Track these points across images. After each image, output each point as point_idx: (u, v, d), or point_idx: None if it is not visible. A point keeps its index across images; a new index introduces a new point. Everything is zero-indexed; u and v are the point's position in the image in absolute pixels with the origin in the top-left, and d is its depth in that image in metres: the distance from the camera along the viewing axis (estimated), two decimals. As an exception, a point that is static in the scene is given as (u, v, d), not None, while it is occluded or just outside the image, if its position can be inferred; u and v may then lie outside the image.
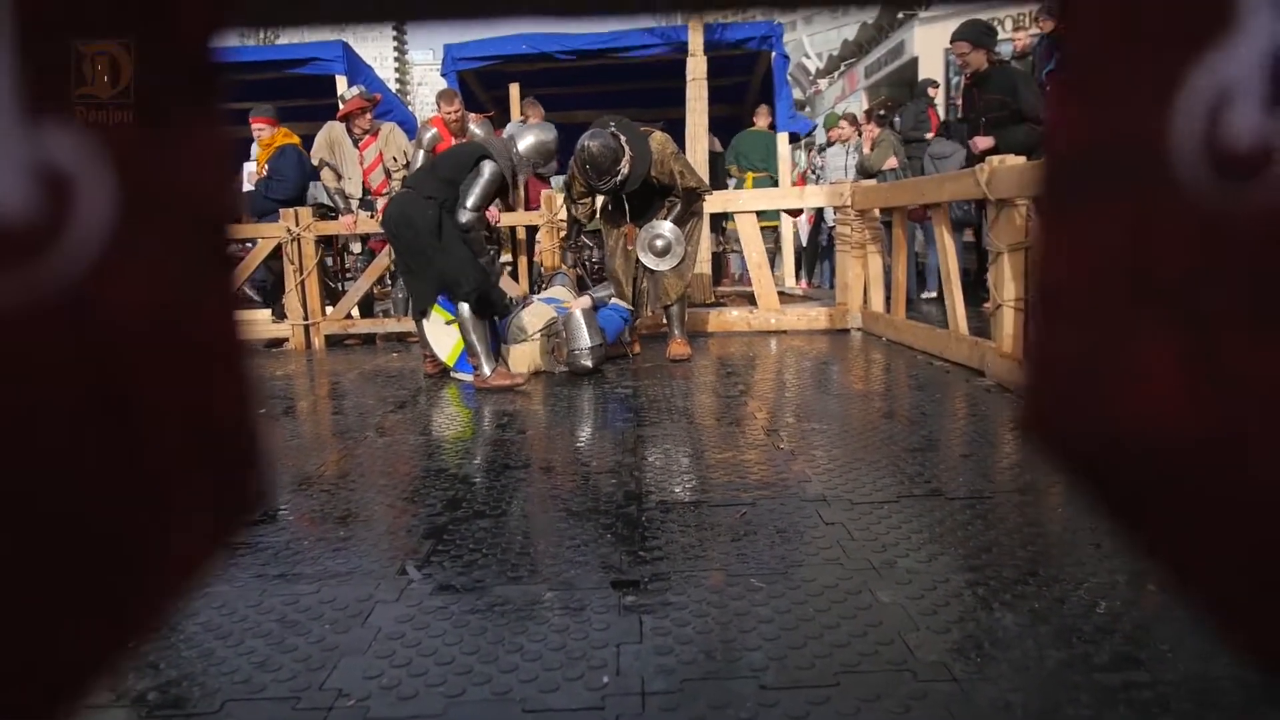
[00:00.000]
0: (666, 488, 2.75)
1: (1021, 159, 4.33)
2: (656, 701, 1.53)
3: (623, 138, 4.95)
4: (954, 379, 4.40)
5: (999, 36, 7.30)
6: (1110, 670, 1.57)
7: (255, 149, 7.24)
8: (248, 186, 6.92)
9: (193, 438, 0.33)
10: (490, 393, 4.51)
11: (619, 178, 4.96)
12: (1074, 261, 0.37)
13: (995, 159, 4.38)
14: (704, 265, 7.31)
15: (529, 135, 4.88)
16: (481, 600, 1.99)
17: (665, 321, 5.54)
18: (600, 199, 5.39)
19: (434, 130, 7.00)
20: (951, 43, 6.55)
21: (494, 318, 4.88)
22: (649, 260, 5.24)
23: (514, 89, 7.78)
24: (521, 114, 7.54)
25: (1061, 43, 0.37)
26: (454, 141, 7.01)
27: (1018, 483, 2.72)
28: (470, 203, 4.59)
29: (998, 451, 3.14)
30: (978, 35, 6.32)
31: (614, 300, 5.35)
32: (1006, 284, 4.27)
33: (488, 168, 4.61)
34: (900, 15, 30.20)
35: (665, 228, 5.20)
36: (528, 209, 7.25)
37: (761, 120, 9.22)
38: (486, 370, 4.60)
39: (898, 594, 1.92)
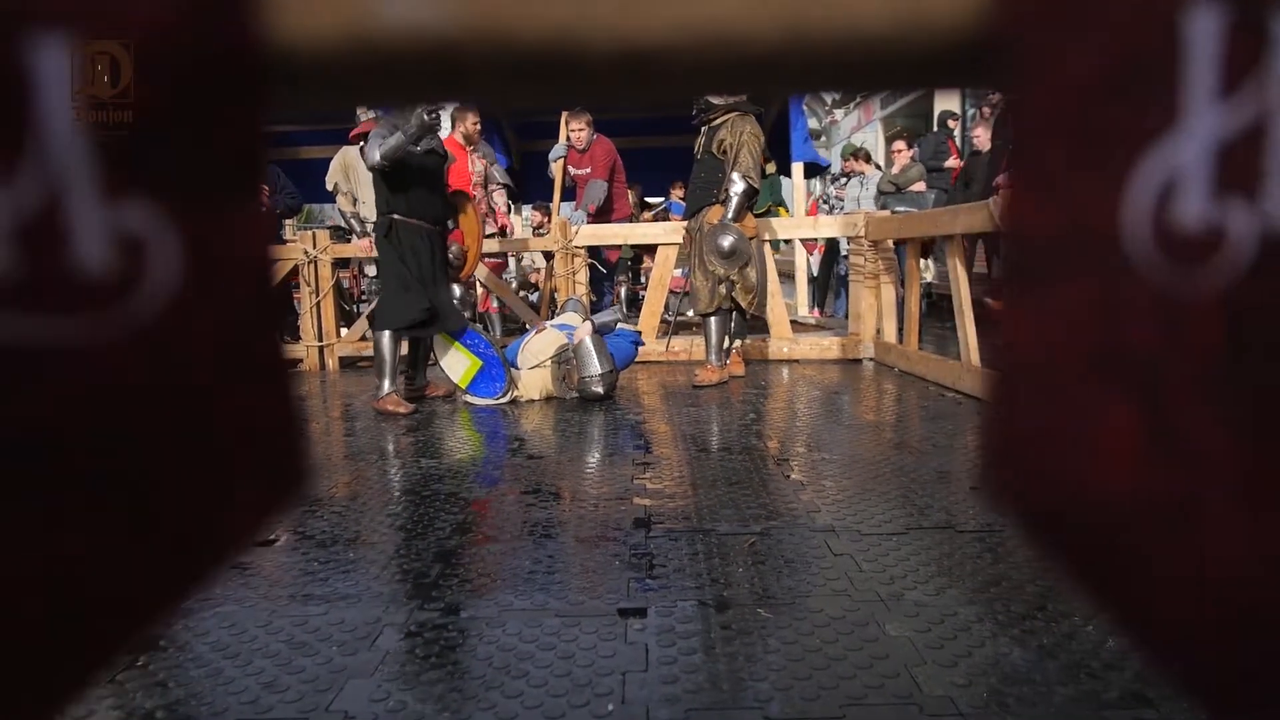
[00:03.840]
0: (675, 515, 2.75)
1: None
2: (661, 730, 1.53)
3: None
4: (966, 410, 4.39)
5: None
6: (1119, 708, 1.56)
7: None
8: None
9: (247, 430, 0.44)
10: (381, 416, 4.64)
11: (701, 105, 5.31)
12: (1036, 338, 0.39)
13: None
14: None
15: None
16: (488, 625, 2.00)
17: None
18: None
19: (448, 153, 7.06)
20: None
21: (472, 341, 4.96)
22: (717, 260, 5.27)
23: (564, 116, 7.72)
24: (564, 122, 7.49)
25: (1012, 135, 0.40)
26: (467, 155, 7.07)
27: (1028, 517, 2.71)
28: (371, 155, 4.57)
29: (1008, 485, 3.13)
30: None
31: (621, 325, 5.37)
32: (1019, 317, 4.27)
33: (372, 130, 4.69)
34: (916, 47, 30.42)
35: (731, 228, 5.23)
36: (613, 216, 7.28)
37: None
38: (384, 390, 4.74)
39: (905, 627, 1.92)
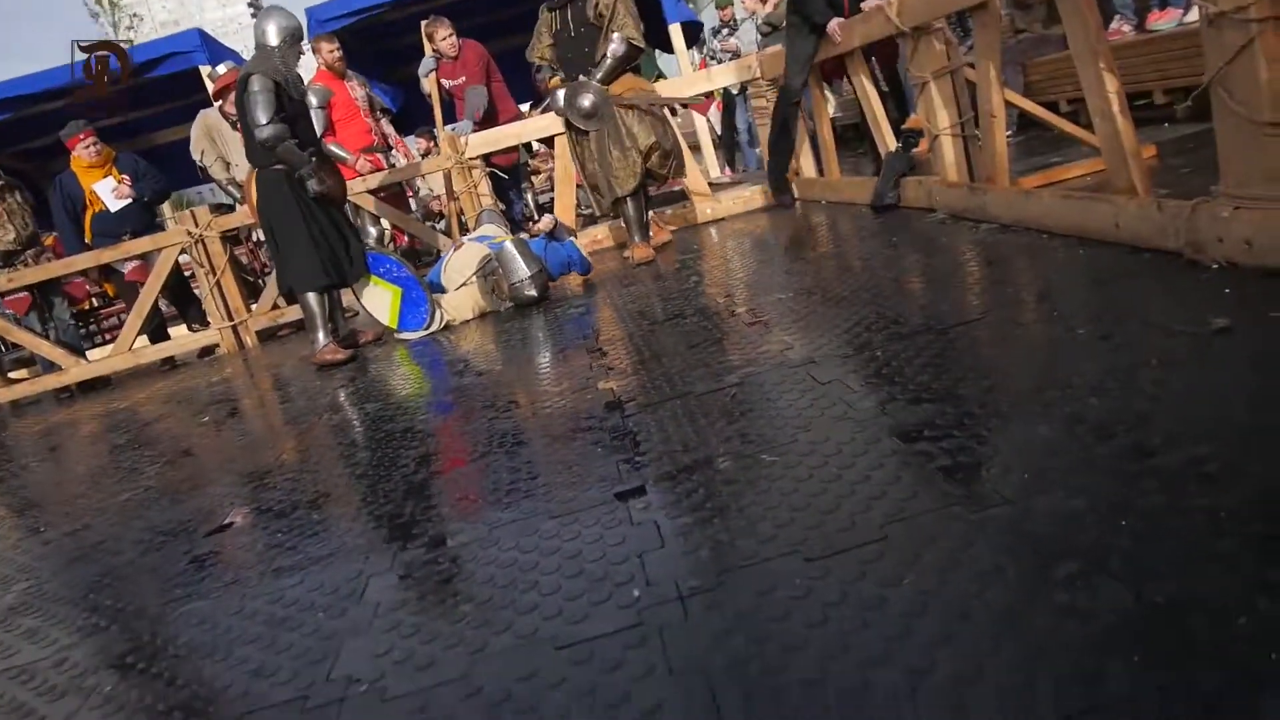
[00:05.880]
0: (645, 390, 2.58)
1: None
2: (698, 602, 1.38)
3: None
4: (905, 221, 4.26)
5: None
6: (1167, 452, 1.45)
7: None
8: (117, 204, 6.33)
9: None
10: (327, 368, 4.41)
11: None
12: None
13: (900, -14, 4.18)
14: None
15: (269, 23, 4.44)
16: (481, 546, 1.82)
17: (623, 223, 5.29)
18: (550, 47, 5.14)
19: (318, 86, 6.57)
20: None
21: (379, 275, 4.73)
22: (577, 120, 4.99)
23: (423, 28, 7.16)
24: (426, 35, 6.96)
25: None
26: (344, 85, 6.61)
27: (1005, 303, 2.59)
28: (258, 119, 4.25)
29: (972, 277, 3.01)
30: None
31: (568, 238, 5.09)
32: (939, 112, 4.11)
33: (254, 82, 4.28)
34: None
35: (592, 87, 4.94)
36: (500, 119, 6.85)
37: None
38: (319, 343, 4.53)
39: (919, 433, 1.78)
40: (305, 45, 4.72)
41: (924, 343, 2.33)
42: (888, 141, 4.86)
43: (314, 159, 4.44)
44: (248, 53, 6.87)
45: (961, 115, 4.09)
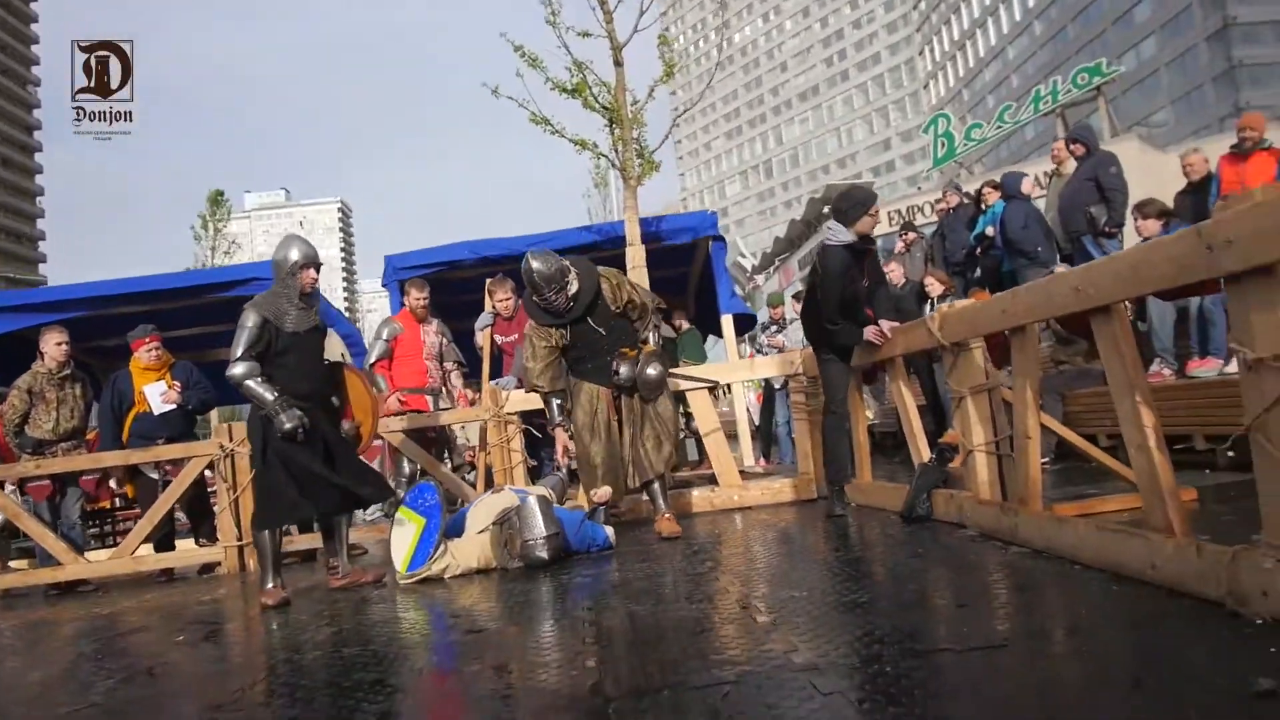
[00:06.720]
0: (636, 674, 2.39)
1: (970, 301, 4.28)
2: None
3: (564, 259, 5.00)
4: (933, 533, 4.13)
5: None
6: None
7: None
8: (163, 408, 6.47)
9: None
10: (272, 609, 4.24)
11: (571, 289, 4.92)
12: None
13: (944, 305, 4.32)
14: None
15: (286, 249, 4.49)
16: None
17: (649, 499, 5.30)
18: (559, 360, 5.21)
19: (395, 324, 6.99)
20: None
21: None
22: (645, 388, 5.10)
23: (488, 285, 7.57)
24: (489, 291, 7.40)
25: None
26: (419, 330, 6.94)
27: (1030, 633, 2.41)
28: (235, 354, 4.27)
29: (998, 600, 2.84)
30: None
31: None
32: (974, 428, 4.10)
33: (246, 316, 4.32)
34: (826, 210, 31.88)
35: (661, 357, 5.18)
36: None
37: (681, 323, 9.58)
38: (266, 584, 4.43)
39: (922, 766, 1.58)
40: (314, 273, 4.54)
41: (940, 663, 2.15)
42: (922, 452, 4.84)
43: (281, 396, 4.29)
44: (333, 297, 7.24)
45: (997, 434, 4.07)
